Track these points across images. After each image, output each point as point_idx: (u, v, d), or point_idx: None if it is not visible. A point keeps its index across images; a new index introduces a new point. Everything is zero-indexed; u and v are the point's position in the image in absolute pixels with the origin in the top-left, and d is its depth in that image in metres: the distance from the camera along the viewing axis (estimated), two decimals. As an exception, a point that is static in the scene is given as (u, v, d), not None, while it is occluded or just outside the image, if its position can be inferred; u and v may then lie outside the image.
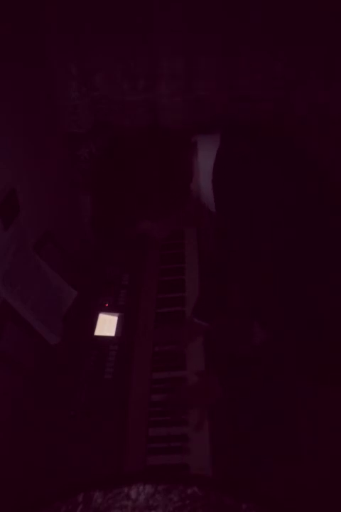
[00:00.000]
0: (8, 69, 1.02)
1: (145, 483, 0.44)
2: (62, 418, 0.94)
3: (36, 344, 1.02)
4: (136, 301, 1.21)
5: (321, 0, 1.11)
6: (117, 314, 1.16)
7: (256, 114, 1.34)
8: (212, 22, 1.19)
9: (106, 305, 1.19)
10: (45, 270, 1.10)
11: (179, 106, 1.36)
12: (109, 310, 1.17)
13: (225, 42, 1.22)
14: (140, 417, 0.95)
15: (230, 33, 1.21)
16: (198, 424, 0.92)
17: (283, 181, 0.73)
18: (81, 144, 1.40)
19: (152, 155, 0.79)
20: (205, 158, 0.80)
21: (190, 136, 0.85)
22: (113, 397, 0.97)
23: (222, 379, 0.94)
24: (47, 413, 0.96)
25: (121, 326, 1.13)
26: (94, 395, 0.98)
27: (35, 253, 1.07)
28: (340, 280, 0.73)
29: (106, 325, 1.13)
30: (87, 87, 1.32)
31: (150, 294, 1.25)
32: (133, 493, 0.44)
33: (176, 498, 0.43)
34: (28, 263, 1.03)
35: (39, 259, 1.08)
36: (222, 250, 1.08)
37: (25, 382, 0.98)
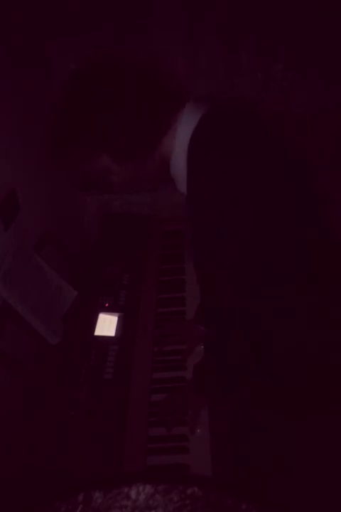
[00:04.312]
0: (8, 69, 1.02)
1: (145, 483, 0.44)
2: (62, 418, 0.94)
3: (36, 344, 1.02)
4: (136, 301, 1.21)
5: (321, 0, 1.11)
6: (117, 314, 1.16)
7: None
8: (211, 22, 1.19)
9: (106, 305, 1.19)
10: (45, 270, 1.10)
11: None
12: (109, 310, 1.17)
13: (225, 42, 1.22)
14: (140, 417, 0.95)
15: (230, 32, 1.21)
16: (193, 426, 0.92)
17: (255, 177, 0.68)
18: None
19: (132, 85, 0.74)
20: (186, 126, 0.74)
21: (183, 95, 0.79)
22: (113, 397, 0.97)
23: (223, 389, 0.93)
24: (48, 413, 0.96)
25: (121, 326, 1.13)
26: (94, 395, 0.98)
27: (35, 253, 1.07)
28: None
29: (106, 325, 1.13)
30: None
31: (150, 294, 1.25)
32: (133, 493, 0.44)
33: (176, 498, 0.43)
34: (28, 263, 1.03)
35: (39, 259, 1.08)
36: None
37: (25, 382, 0.98)
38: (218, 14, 1.17)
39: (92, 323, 1.14)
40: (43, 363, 1.04)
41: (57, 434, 0.92)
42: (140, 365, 1.05)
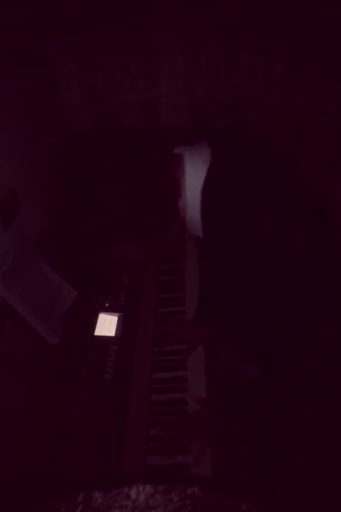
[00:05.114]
0: (8, 69, 1.02)
1: (145, 483, 0.44)
2: (62, 418, 0.94)
3: (36, 344, 1.02)
4: (136, 301, 1.21)
5: (321, 0, 1.11)
6: (117, 314, 1.16)
7: (256, 114, 1.34)
8: (211, 22, 1.19)
9: (106, 305, 1.19)
10: (45, 270, 1.10)
11: (179, 106, 1.36)
12: (109, 310, 1.17)
13: (225, 42, 1.23)
14: (140, 417, 0.95)
15: (230, 32, 1.21)
16: (198, 455, 0.88)
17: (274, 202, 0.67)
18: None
19: (132, 169, 0.66)
20: (192, 175, 0.71)
21: (171, 148, 0.74)
22: (113, 397, 0.97)
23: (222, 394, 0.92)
24: (48, 413, 0.96)
25: (121, 326, 1.13)
26: (94, 395, 0.98)
27: (35, 253, 1.07)
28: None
29: (106, 325, 1.13)
30: (87, 88, 1.32)
31: (150, 294, 1.24)
32: (133, 493, 0.44)
33: (176, 498, 0.43)
34: (28, 263, 1.03)
35: (39, 259, 1.08)
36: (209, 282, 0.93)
37: (25, 382, 0.98)
38: (218, 14, 1.17)
39: (92, 323, 1.13)
40: (43, 363, 1.04)
41: (57, 434, 0.92)
42: (140, 365, 1.05)
